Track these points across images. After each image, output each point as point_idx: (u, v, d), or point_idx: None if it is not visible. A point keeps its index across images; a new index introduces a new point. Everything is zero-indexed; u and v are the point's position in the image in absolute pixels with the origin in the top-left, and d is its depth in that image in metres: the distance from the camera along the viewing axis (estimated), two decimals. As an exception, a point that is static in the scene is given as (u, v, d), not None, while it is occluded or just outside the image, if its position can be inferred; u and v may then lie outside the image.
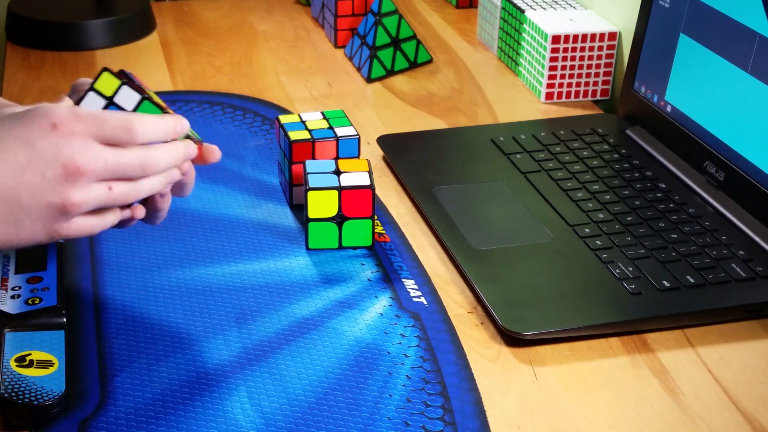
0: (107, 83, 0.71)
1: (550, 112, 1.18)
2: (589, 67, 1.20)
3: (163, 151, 0.71)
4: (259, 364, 0.75)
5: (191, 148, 0.73)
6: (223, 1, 1.52)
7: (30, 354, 0.73)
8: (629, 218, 0.93)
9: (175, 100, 1.18)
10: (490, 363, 0.77)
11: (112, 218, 0.71)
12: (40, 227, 0.67)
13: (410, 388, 0.73)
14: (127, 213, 0.73)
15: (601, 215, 0.93)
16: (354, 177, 0.89)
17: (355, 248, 0.90)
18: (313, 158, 0.94)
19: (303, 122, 0.96)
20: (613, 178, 1.00)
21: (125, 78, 0.72)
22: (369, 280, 0.86)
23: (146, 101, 0.72)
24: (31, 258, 0.81)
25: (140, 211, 0.74)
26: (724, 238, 0.90)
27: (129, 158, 0.68)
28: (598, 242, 0.89)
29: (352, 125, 0.96)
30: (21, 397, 0.69)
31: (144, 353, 0.76)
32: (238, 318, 0.80)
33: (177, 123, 0.72)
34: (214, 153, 0.77)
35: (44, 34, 1.33)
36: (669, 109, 1.05)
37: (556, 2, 1.27)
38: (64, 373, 0.71)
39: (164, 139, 0.71)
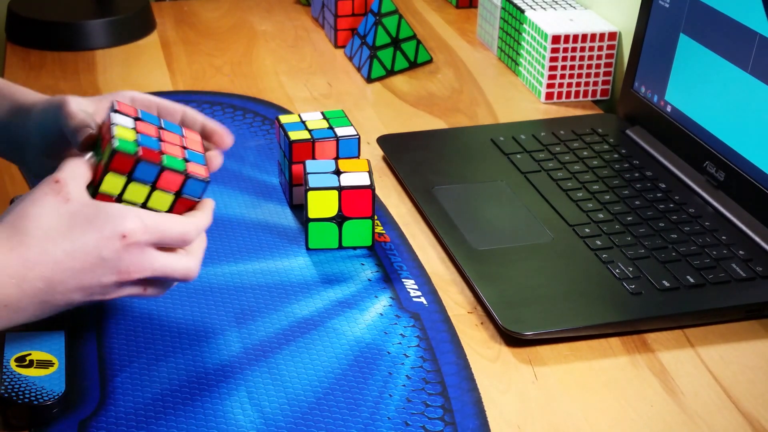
0: (126, 144, 0.72)
1: (550, 112, 1.18)
2: (589, 67, 1.20)
3: (201, 252, 0.75)
4: (259, 364, 0.75)
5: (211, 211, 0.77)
6: (223, 1, 1.52)
7: (30, 354, 0.73)
8: (629, 218, 0.93)
9: (175, 100, 1.18)
10: (490, 363, 0.77)
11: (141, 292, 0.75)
12: (87, 302, 0.71)
13: (410, 388, 0.73)
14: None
15: (601, 215, 0.93)
16: (354, 177, 0.89)
17: (355, 248, 0.90)
18: (313, 158, 0.94)
19: (303, 122, 0.96)
20: (613, 178, 1.00)
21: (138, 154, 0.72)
22: (369, 280, 0.86)
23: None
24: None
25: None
26: (724, 238, 0.90)
27: (175, 268, 0.72)
28: (598, 242, 0.89)
29: (352, 125, 0.96)
30: (21, 397, 0.69)
31: (144, 353, 0.76)
32: (238, 318, 0.80)
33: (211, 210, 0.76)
34: (225, 140, 0.81)
35: (44, 34, 1.33)
36: (669, 109, 1.05)
37: (556, 2, 1.27)
38: (64, 373, 0.71)
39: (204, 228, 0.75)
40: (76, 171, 0.70)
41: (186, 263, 0.73)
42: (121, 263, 0.69)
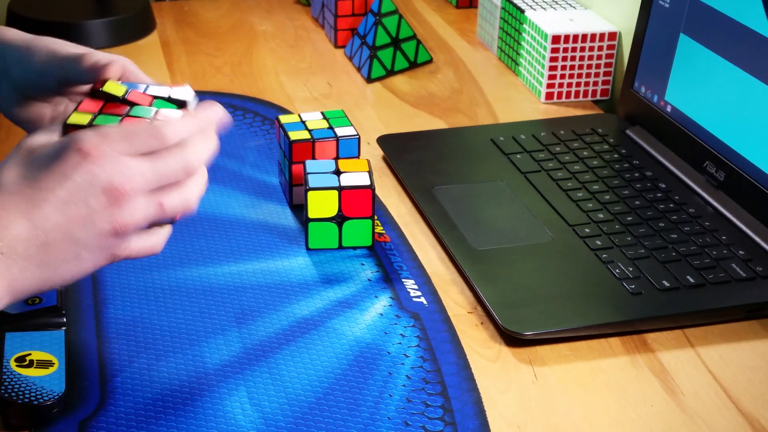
0: (114, 87, 0.70)
1: (550, 112, 1.18)
2: (589, 67, 1.20)
3: (199, 146, 0.69)
4: (259, 364, 0.75)
5: (219, 117, 0.71)
6: (223, 1, 1.52)
7: (30, 354, 0.73)
8: (629, 218, 0.93)
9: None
10: (490, 363, 0.77)
11: (166, 231, 0.70)
12: (100, 255, 0.65)
13: (410, 388, 0.73)
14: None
15: (601, 215, 0.93)
16: (354, 177, 0.89)
17: (355, 248, 0.90)
18: (313, 158, 0.94)
19: (303, 122, 0.96)
20: (613, 178, 1.00)
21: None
22: (369, 280, 0.86)
23: (158, 100, 0.71)
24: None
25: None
26: (724, 238, 0.90)
27: (167, 164, 0.67)
28: (598, 242, 0.89)
29: (352, 125, 0.96)
30: (21, 397, 0.69)
31: (144, 353, 0.76)
32: (238, 318, 0.80)
33: (206, 115, 0.70)
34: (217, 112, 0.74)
35: (44, 34, 1.33)
36: (669, 109, 1.05)
37: (556, 2, 1.27)
38: (64, 373, 0.71)
39: (196, 131, 0.69)
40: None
41: (181, 154, 0.67)
42: (97, 179, 0.64)
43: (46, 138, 0.68)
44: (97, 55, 0.74)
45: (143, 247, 0.67)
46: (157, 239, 0.68)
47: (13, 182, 0.64)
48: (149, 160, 0.66)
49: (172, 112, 0.70)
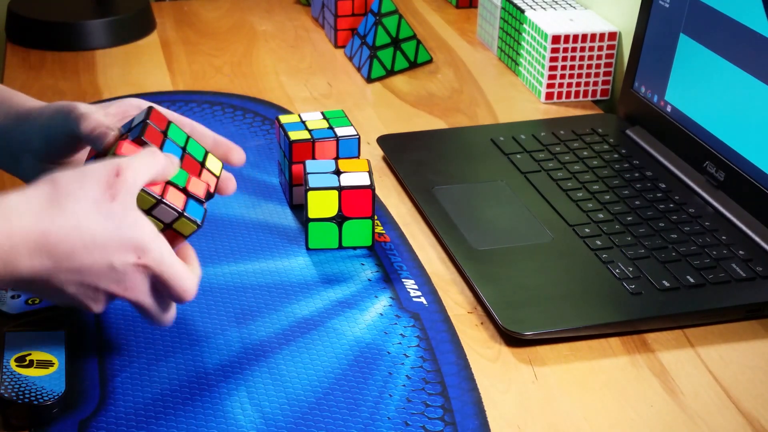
0: (143, 201, 0.72)
1: (550, 112, 1.18)
2: (589, 67, 1.20)
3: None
4: (259, 364, 0.75)
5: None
6: (223, 1, 1.52)
7: (30, 354, 0.73)
8: (629, 218, 0.93)
9: (175, 100, 1.18)
10: (490, 363, 0.77)
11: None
12: (57, 301, 0.71)
13: (410, 388, 0.73)
14: None
15: (601, 215, 0.93)
16: (354, 177, 0.89)
17: (355, 248, 0.90)
18: (313, 158, 0.94)
19: (303, 122, 0.96)
20: (613, 178, 1.00)
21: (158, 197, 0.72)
22: (369, 280, 0.86)
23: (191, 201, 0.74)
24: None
25: None
26: (724, 238, 0.90)
27: (162, 316, 0.73)
28: (598, 242, 0.89)
29: (352, 125, 0.96)
30: (21, 397, 0.69)
31: (144, 353, 0.76)
32: (238, 318, 0.80)
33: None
34: (230, 184, 0.81)
35: (44, 34, 1.33)
36: (669, 109, 1.05)
37: (556, 2, 1.27)
38: (64, 373, 0.71)
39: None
40: (138, 173, 0.70)
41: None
42: (123, 279, 0.68)
43: (142, 175, 0.70)
44: (107, 130, 0.75)
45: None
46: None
47: (87, 208, 0.67)
48: (160, 296, 0.71)
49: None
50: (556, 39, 1.17)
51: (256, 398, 0.72)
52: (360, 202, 0.88)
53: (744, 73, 0.93)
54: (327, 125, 0.96)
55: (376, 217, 0.91)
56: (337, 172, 0.89)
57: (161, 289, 0.70)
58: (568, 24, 1.19)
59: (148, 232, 0.68)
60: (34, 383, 0.70)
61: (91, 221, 0.66)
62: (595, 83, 1.21)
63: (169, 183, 0.72)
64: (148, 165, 0.70)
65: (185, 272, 0.70)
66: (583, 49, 1.19)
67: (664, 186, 0.98)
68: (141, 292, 0.69)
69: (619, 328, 0.80)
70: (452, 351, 0.77)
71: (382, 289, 0.85)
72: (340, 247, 0.90)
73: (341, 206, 0.88)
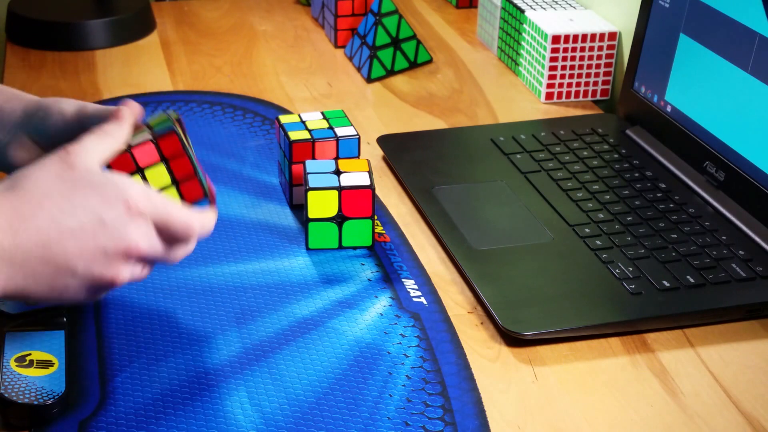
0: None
1: (550, 112, 1.18)
2: (589, 67, 1.20)
3: (195, 242, 0.74)
4: (259, 364, 0.75)
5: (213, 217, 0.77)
6: (223, 1, 1.52)
7: (30, 354, 0.73)
8: (629, 218, 0.93)
9: (175, 100, 1.18)
10: (490, 363, 0.77)
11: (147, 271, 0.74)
12: (83, 294, 0.69)
13: (410, 388, 0.73)
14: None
15: (601, 215, 0.93)
16: (354, 177, 0.89)
17: (355, 248, 0.90)
18: (313, 158, 0.94)
19: (303, 122, 0.96)
20: (613, 178, 1.00)
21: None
22: (369, 280, 0.86)
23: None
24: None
25: None
26: (724, 238, 0.90)
27: (175, 257, 0.73)
28: (598, 242, 0.89)
29: (352, 125, 0.96)
30: (21, 397, 0.69)
31: (144, 353, 0.76)
32: (238, 318, 0.80)
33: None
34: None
35: (44, 34, 1.33)
36: (669, 109, 1.05)
37: (556, 2, 1.27)
38: (64, 373, 0.71)
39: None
40: (91, 145, 0.70)
41: (188, 251, 0.73)
42: (126, 234, 0.68)
43: (96, 146, 0.71)
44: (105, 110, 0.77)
45: (124, 280, 0.71)
46: (141, 273, 0.72)
47: (43, 192, 0.67)
48: (168, 246, 0.72)
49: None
50: (556, 39, 1.17)
51: (256, 398, 0.72)
52: (360, 202, 0.88)
53: (744, 73, 0.93)
54: (327, 125, 0.96)
55: (376, 217, 0.91)
56: (337, 172, 0.89)
57: (166, 234, 0.71)
58: (568, 24, 1.19)
59: (124, 179, 0.69)
60: (34, 383, 0.70)
61: (63, 196, 0.66)
62: (595, 83, 1.21)
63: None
64: (95, 140, 0.71)
65: (180, 208, 0.71)
66: (583, 49, 1.19)
67: (664, 186, 0.98)
68: (146, 240, 0.69)
69: (619, 328, 0.80)
70: (452, 351, 0.77)
71: (382, 289, 0.85)
72: (340, 247, 0.90)
73: (341, 206, 0.88)
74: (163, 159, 0.74)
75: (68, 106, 0.78)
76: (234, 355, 0.76)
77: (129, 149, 0.73)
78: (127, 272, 0.70)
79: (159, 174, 0.74)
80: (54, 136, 0.78)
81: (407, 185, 0.99)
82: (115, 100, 1.17)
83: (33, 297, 0.67)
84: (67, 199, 0.66)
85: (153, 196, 0.70)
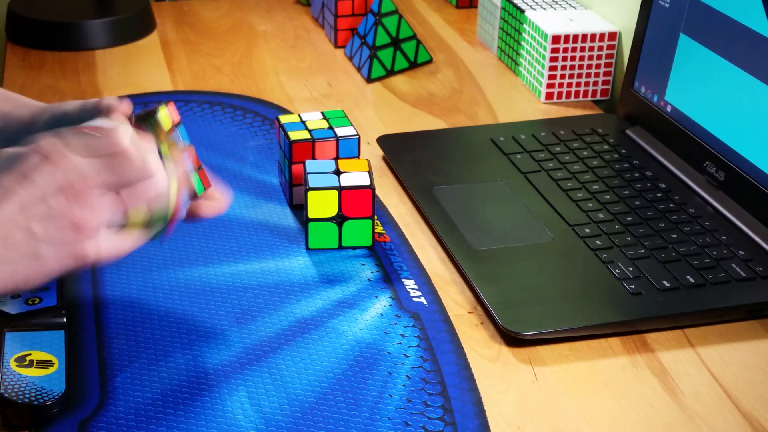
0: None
1: (550, 112, 1.18)
2: (589, 67, 1.20)
3: (151, 153, 0.71)
4: (259, 364, 0.75)
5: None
6: (223, 1, 1.52)
7: (30, 354, 0.73)
8: (629, 218, 0.93)
9: (175, 100, 1.18)
10: (490, 363, 0.77)
11: (137, 235, 0.72)
12: (62, 252, 0.67)
13: (410, 388, 0.73)
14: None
15: (601, 215, 0.93)
16: (354, 177, 0.89)
17: (355, 248, 0.90)
18: (313, 158, 0.94)
19: (303, 122, 0.96)
20: (613, 178, 1.00)
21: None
22: (369, 280, 0.86)
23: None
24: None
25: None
26: (724, 238, 0.90)
27: (122, 165, 0.69)
28: (598, 242, 0.89)
29: (352, 125, 0.96)
30: (21, 397, 0.69)
31: (144, 353, 0.76)
32: (238, 318, 0.80)
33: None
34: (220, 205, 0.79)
35: (44, 34, 1.33)
36: (669, 109, 1.05)
37: (556, 2, 1.27)
38: (64, 373, 0.71)
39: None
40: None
41: (135, 158, 0.69)
42: (56, 181, 0.66)
43: (11, 149, 0.70)
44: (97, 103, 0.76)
45: (111, 246, 0.69)
46: (125, 240, 0.71)
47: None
48: (105, 160, 0.68)
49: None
50: (556, 39, 1.17)
51: (256, 398, 0.72)
52: (360, 202, 0.88)
53: (744, 73, 0.93)
54: (327, 125, 0.96)
55: (376, 217, 0.91)
56: (337, 172, 0.89)
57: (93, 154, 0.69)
58: (568, 24, 1.19)
59: (48, 136, 0.68)
60: (34, 383, 0.70)
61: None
62: (595, 83, 1.21)
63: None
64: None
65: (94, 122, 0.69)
66: (583, 49, 1.19)
67: (664, 186, 0.98)
68: (75, 169, 0.67)
69: (619, 328, 0.80)
70: (452, 351, 0.77)
71: (382, 289, 0.85)
72: (340, 247, 0.90)
73: (341, 206, 0.88)
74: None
75: (70, 105, 0.78)
76: (234, 355, 0.76)
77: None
78: (87, 209, 0.67)
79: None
80: None
81: (407, 185, 0.99)
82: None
83: (22, 279, 0.66)
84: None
85: (67, 137, 0.68)
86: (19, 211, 0.66)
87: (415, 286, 0.85)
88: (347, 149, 0.94)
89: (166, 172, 0.72)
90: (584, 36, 1.18)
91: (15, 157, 0.68)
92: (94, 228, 0.68)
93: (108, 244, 0.69)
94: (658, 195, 0.97)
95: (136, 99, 1.18)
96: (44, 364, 0.72)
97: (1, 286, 0.65)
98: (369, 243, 0.90)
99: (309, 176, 0.88)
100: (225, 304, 0.82)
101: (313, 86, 1.24)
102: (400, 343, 0.78)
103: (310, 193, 0.87)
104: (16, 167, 0.67)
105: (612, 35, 1.19)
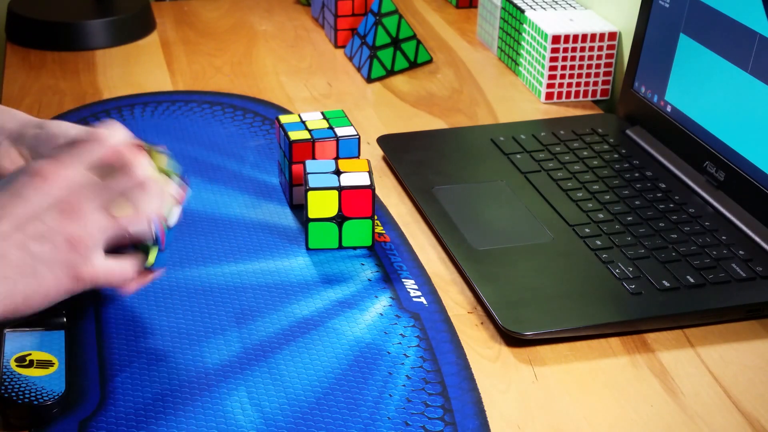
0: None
1: (550, 112, 1.18)
2: (589, 67, 1.20)
3: (145, 164, 0.73)
4: (259, 364, 0.75)
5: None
6: (223, 1, 1.52)
7: (30, 354, 0.73)
8: (629, 218, 0.93)
9: (175, 100, 1.18)
10: (490, 363, 0.77)
11: (136, 261, 0.73)
12: (60, 272, 0.68)
13: (410, 388, 0.73)
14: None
15: (601, 215, 0.93)
16: (354, 177, 0.89)
17: (355, 248, 0.90)
18: (313, 158, 0.94)
19: (303, 122, 0.96)
20: (613, 178, 1.00)
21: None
22: (369, 280, 0.86)
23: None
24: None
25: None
26: (724, 238, 0.90)
27: (116, 179, 0.71)
28: (598, 242, 0.89)
29: (352, 125, 0.96)
30: (21, 397, 0.69)
31: (144, 353, 0.76)
32: (238, 318, 0.80)
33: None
34: None
35: (44, 34, 1.33)
36: (669, 109, 1.05)
37: (556, 2, 1.27)
38: (64, 373, 0.71)
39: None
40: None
41: (129, 172, 0.71)
42: (50, 197, 0.67)
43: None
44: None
45: (110, 268, 0.71)
46: (126, 265, 0.72)
47: None
48: (99, 177, 0.70)
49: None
50: (556, 39, 1.17)
51: (256, 398, 0.72)
52: (360, 202, 0.88)
53: (744, 73, 0.93)
54: (327, 125, 0.96)
55: (376, 217, 0.91)
56: (337, 172, 0.89)
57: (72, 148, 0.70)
58: (568, 24, 1.19)
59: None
60: (34, 383, 0.70)
61: None
62: (595, 83, 1.21)
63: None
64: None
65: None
66: (583, 49, 1.19)
67: (664, 186, 0.98)
68: (70, 174, 0.69)
69: (619, 328, 0.80)
70: (452, 351, 0.77)
71: (382, 289, 0.85)
72: (340, 247, 0.90)
73: (341, 206, 0.88)
74: None
75: (74, 129, 0.78)
76: (234, 355, 0.76)
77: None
78: (80, 225, 0.68)
79: None
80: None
81: (407, 185, 0.99)
82: (116, 100, 1.18)
83: (20, 299, 0.67)
84: None
85: (60, 155, 0.69)
86: (15, 229, 0.67)
87: (415, 286, 0.85)
88: (347, 149, 0.94)
89: (158, 182, 0.73)
90: (584, 36, 1.18)
91: (10, 178, 0.69)
92: (89, 246, 0.69)
93: (107, 264, 0.71)
94: (658, 195, 0.97)
95: (136, 99, 1.18)
96: (44, 364, 0.72)
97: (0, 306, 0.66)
98: (369, 243, 0.90)
99: (309, 176, 0.88)
100: (225, 304, 0.82)
101: (313, 86, 1.24)
102: (400, 343, 0.78)
103: (310, 193, 0.87)
104: (11, 187, 0.68)
105: (612, 35, 1.19)
